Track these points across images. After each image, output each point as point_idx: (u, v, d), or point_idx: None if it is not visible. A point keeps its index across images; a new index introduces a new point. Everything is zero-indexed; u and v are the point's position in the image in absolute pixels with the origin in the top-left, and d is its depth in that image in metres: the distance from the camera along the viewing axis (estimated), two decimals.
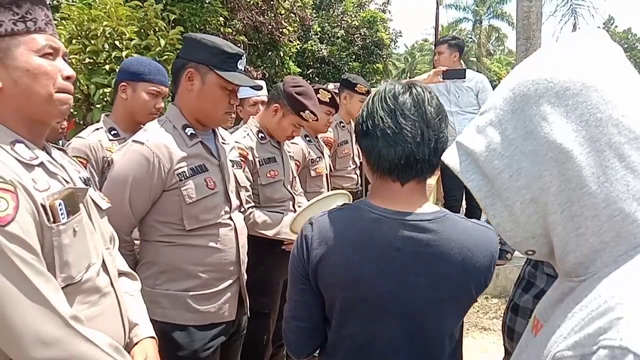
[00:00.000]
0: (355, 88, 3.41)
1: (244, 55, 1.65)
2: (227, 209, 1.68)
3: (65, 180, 1.06)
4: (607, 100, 0.58)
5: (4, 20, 0.98)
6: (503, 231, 0.67)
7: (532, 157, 0.61)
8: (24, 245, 0.90)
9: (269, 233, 2.16)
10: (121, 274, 1.30)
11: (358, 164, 3.74)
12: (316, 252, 1.08)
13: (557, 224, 0.61)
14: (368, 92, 3.44)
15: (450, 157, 0.70)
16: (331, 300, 1.11)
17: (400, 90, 1.08)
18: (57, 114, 1.06)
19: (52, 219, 0.96)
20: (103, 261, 1.13)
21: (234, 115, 3.25)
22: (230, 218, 1.69)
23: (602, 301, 0.55)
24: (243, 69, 1.66)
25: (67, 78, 1.05)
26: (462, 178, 0.67)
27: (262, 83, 2.95)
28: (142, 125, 1.88)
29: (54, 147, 1.18)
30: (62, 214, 0.98)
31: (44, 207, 0.95)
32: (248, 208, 2.11)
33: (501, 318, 1.90)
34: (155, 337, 1.25)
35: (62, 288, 0.98)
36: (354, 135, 3.58)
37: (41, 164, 1.02)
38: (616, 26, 30.65)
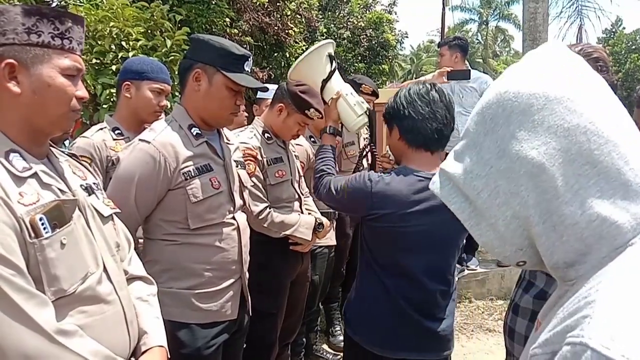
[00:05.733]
0: (361, 88, 3.39)
1: (251, 57, 1.67)
2: (230, 208, 1.69)
3: (61, 190, 1.05)
4: (572, 110, 0.60)
5: (43, 31, 1.00)
6: (491, 249, 0.69)
7: (507, 174, 0.63)
8: (4, 262, 0.90)
9: (287, 232, 2.20)
10: (136, 278, 1.30)
11: (365, 166, 3.72)
12: (378, 207, 1.53)
13: (540, 235, 0.63)
14: (374, 92, 3.41)
15: (434, 184, 0.73)
16: (382, 239, 1.59)
17: (428, 87, 1.56)
18: (62, 129, 1.09)
19: (33, 234, 0.94)
20: (105, 269, 1.11)
21: (245, 115, 3.29)
22: (234, 218, 1.70)
23: (576, 302, 0.58)
24: (249, 71, 1.67)
25: (80, 98, 1.07)
26: (445, 202, 0.70)
27: (273, 86, 2.96)
28: (146, 125, 1.89)
29: (62, 152, 1.18)
30: (44, 228, 0.96)
31: (24, 222, 0.94)
32: (265, 208, 2.13)
33: None
34: (165, 345, 1.23)
35: (54, 301, 0.97)
36: (361, 136, 3.61)
37: (34, 175, 1.01)
38: (624, 27, 30.35)
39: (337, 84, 1.87)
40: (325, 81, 1.86)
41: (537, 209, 0.62)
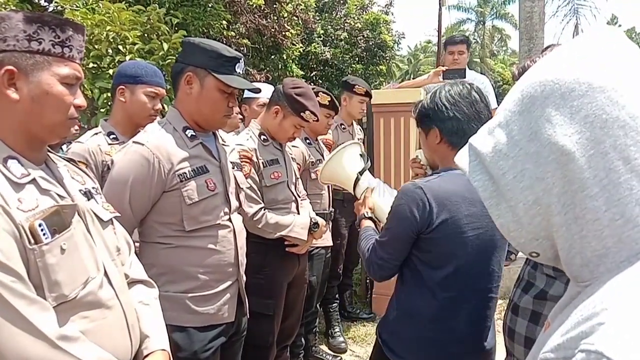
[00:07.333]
0: (354, 89, 3.42)
1: (242, 59, 1.66)
2: (226, 210, 1.69)
3: (60, 196, 1.05)
4: (614, 102, 0.56)
5: (44, 39, 1.00)
6: (507, 232, 0.67)
7: (535, 158, 0.61)
8: (4, 268, 0.89)
9: (282, 233, 2.19)
10: (137, 282, 1.30)
11: None
12: (437, 214, 1.41)
13: (560, 225, 0.61)
14: (367, 93, 3.43)
15: (461, 158, 0.71)
16: (442, 249, 1.44)
17: (469, 87, 1.50)
18: (59, 137, 1.10)
19: (32, 241, 0.94)
20: (106, 274, 1.11)
21: (240, 117, 3.28)
22: (230, 220, 1.70)
23: (591, 307, 0.55)
24: (241, 72, 1.67)
25: (78, 107, 1.08)
26: (469, 178, 0.68)
27: (269, 87, 2.96)
28: (140, 129, 1.90)
29: (60, 157, 1.18)
30: (44, 234, 0.95)
31: (24, 228, 0.93)
32: (260, 209, 2.13)
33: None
34: (168, 349, 1.22)
35: (56, 307, 0.97)
36: (355, 137, 3.63)
37: (32, 181, 1.01)
38: (620, 25, 30.48)
39: (368, 180, 1.95)
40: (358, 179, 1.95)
41: (560, 199, 0.60)
